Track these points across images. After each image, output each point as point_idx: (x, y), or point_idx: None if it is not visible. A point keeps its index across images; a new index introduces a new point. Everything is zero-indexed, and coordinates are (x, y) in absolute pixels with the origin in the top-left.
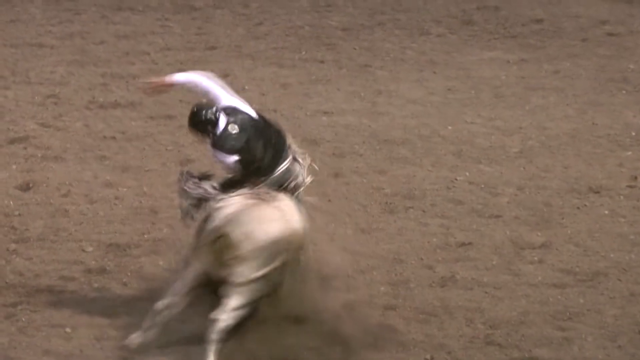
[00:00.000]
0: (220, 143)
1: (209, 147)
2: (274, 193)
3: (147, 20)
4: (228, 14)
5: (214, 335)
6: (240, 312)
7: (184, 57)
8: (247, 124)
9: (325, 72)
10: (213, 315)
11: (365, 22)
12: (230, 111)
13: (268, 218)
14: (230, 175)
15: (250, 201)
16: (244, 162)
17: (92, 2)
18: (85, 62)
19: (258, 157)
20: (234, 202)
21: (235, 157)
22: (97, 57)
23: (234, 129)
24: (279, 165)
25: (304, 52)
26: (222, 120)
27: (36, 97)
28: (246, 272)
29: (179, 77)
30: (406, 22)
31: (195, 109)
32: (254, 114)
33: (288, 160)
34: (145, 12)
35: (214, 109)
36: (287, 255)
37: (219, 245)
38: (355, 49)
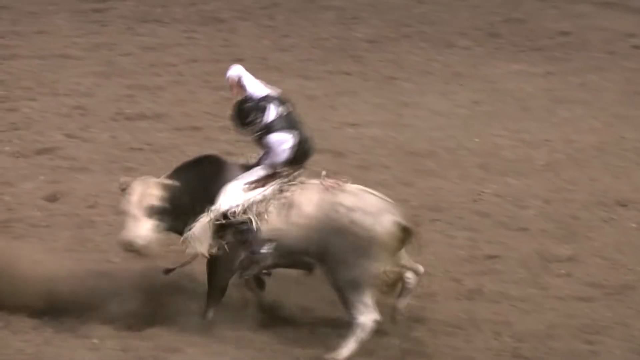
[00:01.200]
0: (281, 125)
1: (265, 137)
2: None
3: (173, 32)
4: (254, 26)
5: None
6: None
7: (209, 69)
8: (293, 107)
9: (351, 84)
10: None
11: (391, 35)
12: (276, 97)
13: None
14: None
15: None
16: (296, 145)
17: (118, 13)
18: (112, 73)
19: (305, 137)
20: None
21: (292, 140)
22: (123, 68)
23: (288, 108)
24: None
25: (329, 64)
26: (273, 106)
27: (62, 109)
28: None
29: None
30: (432, 35)
31: (241, 102)
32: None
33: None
34: (172, 24)
35: (262, 97)
36: None
37: (399, 236)
38: (380, 61)
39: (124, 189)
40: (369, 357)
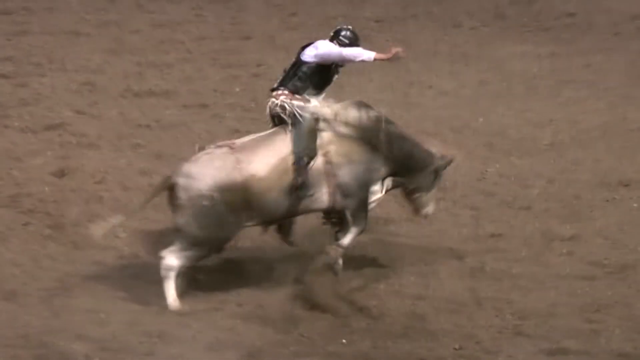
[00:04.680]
0: None
1: None
2: None
3: (182, 9)
4: (262, 4)
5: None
6: None
7: (218, 47)
8: None
9: (358, 64)
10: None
11: (399, 14)
12: None
13: None
14: None
15: None
16: None
17: None
18: (121, 50)
19: None
20: None
21: None
22: (132, 45)
23: None
24: None
25: None
26: None
27: (72, 85)
28: None
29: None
30: (439, 15)
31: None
32: None
33: None
34: (181, 1)
35: None
36: None
37: None
38: (388, 40)
39: None
40: (372, 332)
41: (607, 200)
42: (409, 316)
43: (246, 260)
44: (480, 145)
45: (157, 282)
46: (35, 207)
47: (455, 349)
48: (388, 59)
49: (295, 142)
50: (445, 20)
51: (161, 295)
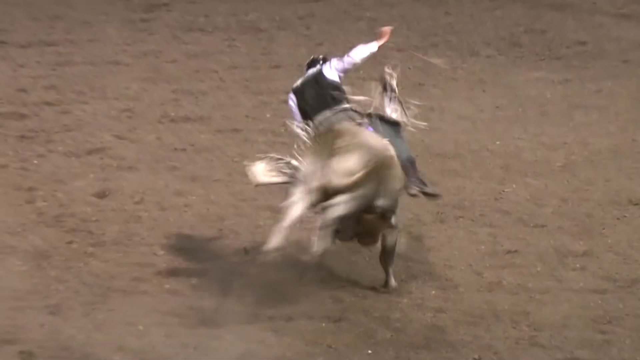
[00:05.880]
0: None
1: None
2: None
3: (216, 40)
4: (291, 34)
5: None
6: None
7: (249, 75)
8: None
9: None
10: None
11: (419, 44)
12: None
13: None
14: None
15: None
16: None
17: (164, 23)
18: (158, 79)
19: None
20: None
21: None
22: (168, 74)
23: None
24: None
25: (361, 71)
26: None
27: (112, 112)
28: None
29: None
30: (457, 44)
31: None
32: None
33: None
34: (214, 32)
35: None
36: None
37: None
38: (409, 68)
39: None
40: (395, 343)
41: (618, 218)
42: (430, 328)
43: (277, 277)
44: (497, 166)
45: (192, 296)
46: (78, 226)
47: (474, 359)
48: (385, 40)
49: (400, 144)
50: (463, 49)
51: (196, 308)
